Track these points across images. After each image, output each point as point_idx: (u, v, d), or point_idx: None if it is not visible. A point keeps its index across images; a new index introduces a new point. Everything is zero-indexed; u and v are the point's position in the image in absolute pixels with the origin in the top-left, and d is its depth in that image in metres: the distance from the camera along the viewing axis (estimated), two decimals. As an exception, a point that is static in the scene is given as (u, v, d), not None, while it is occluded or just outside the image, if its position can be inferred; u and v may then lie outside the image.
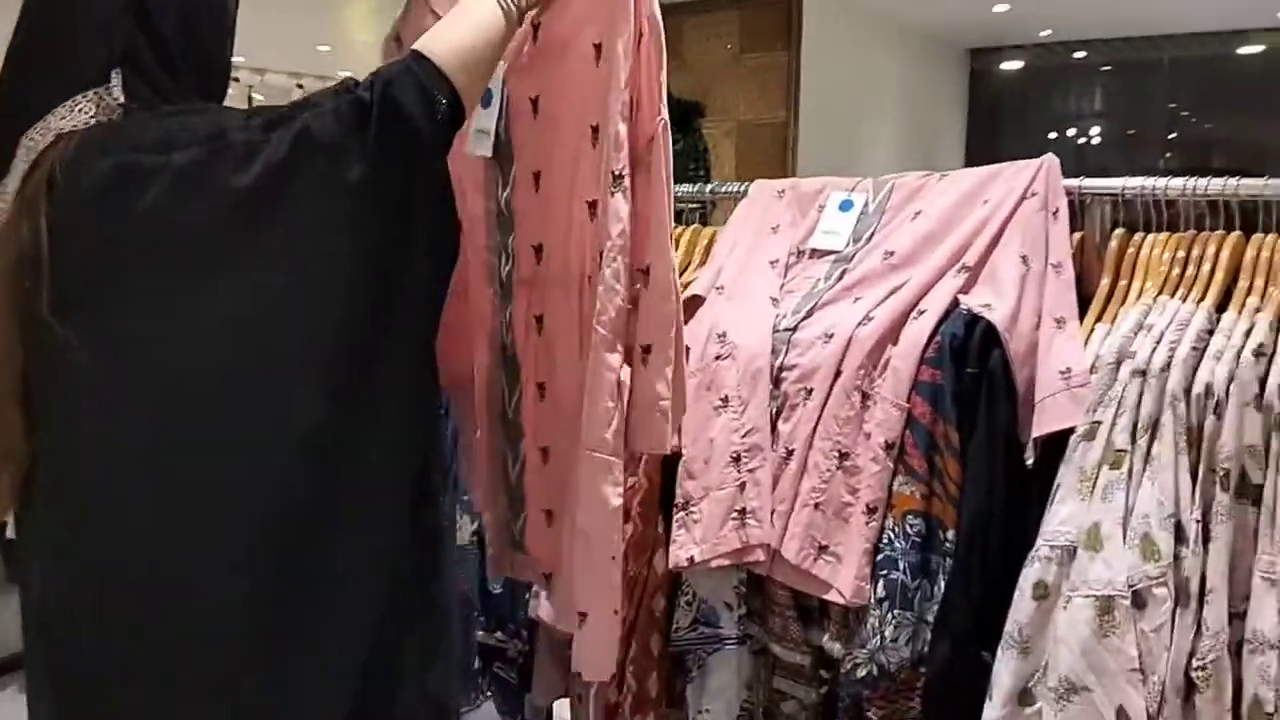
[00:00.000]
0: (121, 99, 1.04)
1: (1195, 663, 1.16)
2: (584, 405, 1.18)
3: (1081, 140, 8.73)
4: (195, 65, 1.11)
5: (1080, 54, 7.96)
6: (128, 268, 1.02)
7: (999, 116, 8.47)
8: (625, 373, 1.18)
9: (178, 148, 1.00)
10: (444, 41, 1.04)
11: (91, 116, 1.04)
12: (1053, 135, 8.68)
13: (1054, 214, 1.53)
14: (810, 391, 1.53)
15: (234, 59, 1.17)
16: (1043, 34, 7.70)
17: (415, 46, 1.04)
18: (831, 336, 1.54)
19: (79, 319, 1.01)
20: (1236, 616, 1.18)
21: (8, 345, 1.04)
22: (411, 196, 1.04)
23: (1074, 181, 1.57)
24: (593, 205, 1.21)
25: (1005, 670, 1.28)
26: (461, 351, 1.39)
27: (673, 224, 1.27)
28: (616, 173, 1.13)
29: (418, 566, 1.12)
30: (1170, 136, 8.08)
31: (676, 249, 1.93)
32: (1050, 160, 1.57)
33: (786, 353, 1.58)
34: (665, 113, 1.14)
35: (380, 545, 1.08)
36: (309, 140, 0.98)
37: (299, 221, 1.00)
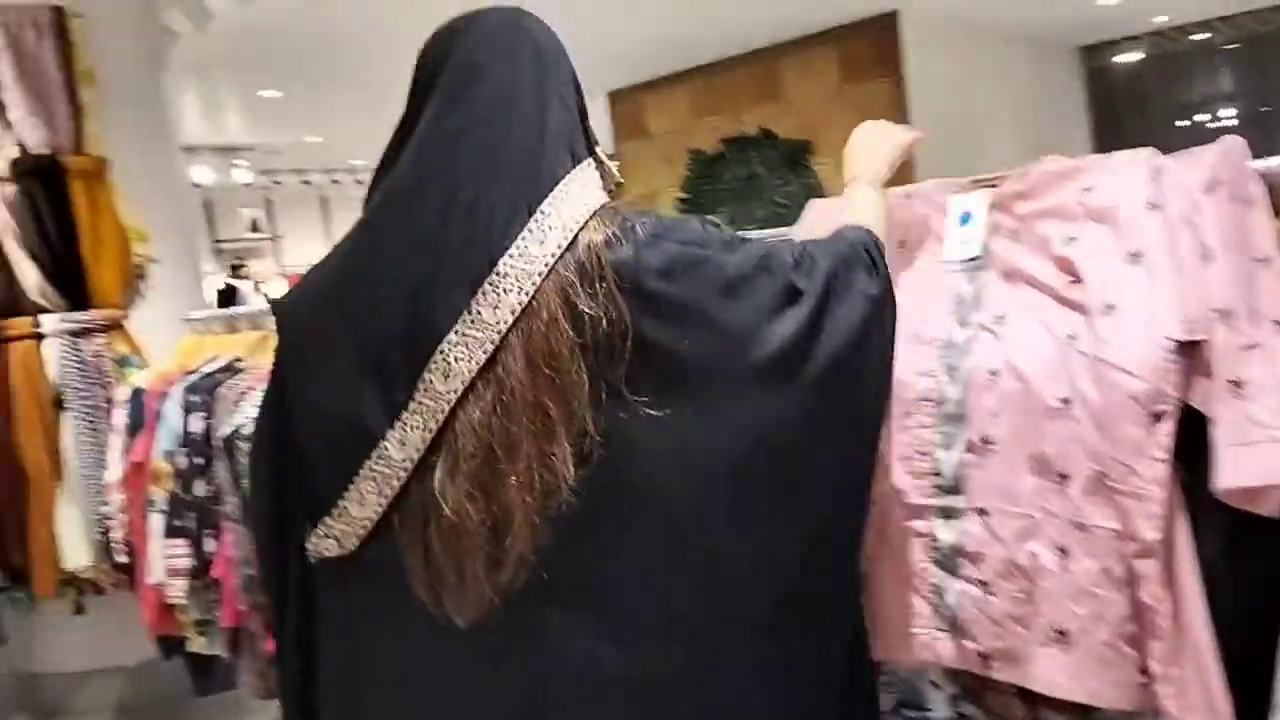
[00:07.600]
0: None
1: None
2: None
3: (1213, 124, 8.26)
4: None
5: (1200, 35, 7.57)
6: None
7: (1121, 112, 8.10)
8: None
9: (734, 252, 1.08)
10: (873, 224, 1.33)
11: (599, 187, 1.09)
12: (1182, 123, 8.23)
13: (1248, 202, 1.35)
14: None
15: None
16: (1157, 20, 7.35)
17: (860, 225, 1.29)
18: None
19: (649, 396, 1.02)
20: None
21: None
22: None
23: (1262, 162, 1.38)
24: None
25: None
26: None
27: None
28: None
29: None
30: (1312, 106, 7.58)
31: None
32: (1231, 142, 1.39)
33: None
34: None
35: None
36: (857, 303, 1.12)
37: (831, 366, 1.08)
